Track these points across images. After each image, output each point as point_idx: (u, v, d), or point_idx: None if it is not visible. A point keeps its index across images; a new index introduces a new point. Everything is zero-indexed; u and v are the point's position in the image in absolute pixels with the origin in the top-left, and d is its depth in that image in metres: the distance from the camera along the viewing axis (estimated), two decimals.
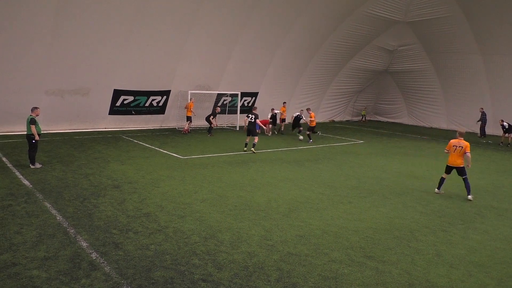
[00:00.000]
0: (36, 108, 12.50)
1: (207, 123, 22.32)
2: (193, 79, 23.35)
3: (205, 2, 20.23)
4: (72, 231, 7.49)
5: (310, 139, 21.00)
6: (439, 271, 6.59)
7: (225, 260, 6.57)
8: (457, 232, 8.49)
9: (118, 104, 21.38)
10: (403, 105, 35.04)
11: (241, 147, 18.02)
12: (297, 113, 23.19)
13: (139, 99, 22.03)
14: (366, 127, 30.83)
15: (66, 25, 17.45)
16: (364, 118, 36.30)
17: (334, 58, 29.54)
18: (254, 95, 27.14)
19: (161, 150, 16.39)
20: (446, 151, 11.53)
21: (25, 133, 12.45)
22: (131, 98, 21.69)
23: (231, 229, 7.97)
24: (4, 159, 13.39)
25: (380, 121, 36.47)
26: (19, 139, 16.70)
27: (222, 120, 25.93)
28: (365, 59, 31.53)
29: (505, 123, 23.39)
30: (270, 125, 23.51)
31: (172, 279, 5.87)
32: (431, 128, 31.89)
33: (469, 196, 11.05)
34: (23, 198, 9.30)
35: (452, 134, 28.06)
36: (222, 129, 24.60)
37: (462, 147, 11.00)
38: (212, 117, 22.01)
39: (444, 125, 31.63)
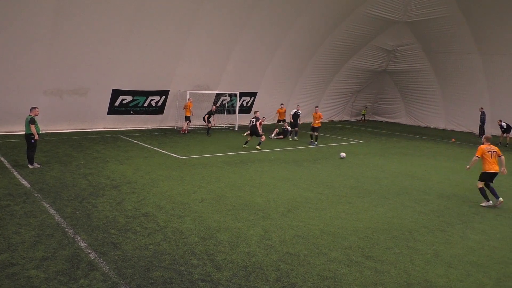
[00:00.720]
0: (34, 108, 12.49)
1: (205, 123, 22.15)
2: (192, 79, 23.33)
3: (205, 2, 20.22)
4: (70, 231, 7.48)
5: (316, 142, 20.03)
6: (437, 271, 6.60)
7: (224, 260, 6.56)
8: (456, 232, 8.50)
9: (116, 104, 21.36)
10: (402, 105, 35.08)
11: (240, 147, 18.04)
12: (295, 110, 22.33)
13: (137, 99, 22.01)
14: (365, 127, 30.86)
15: (65, 25, 17.43)
16: (363, 118, 36.32)
17: (333, 58, 29.57)
18: (253, 95, 27.15)
19: (160, 150, 16.38)
20: (477, 157, 10.60)
21: (24, 133, 12.44)
22: (129, 98, 21.67)
23: (230, 229, 7.97)
24: (2, 159, 13.37)
25: (378, 121, 36.50)
26: (18, 139, 16.67)
27: (221, 120, 25.91)
28: (363, 59, 31.56)
29: (503, 123, 23.45)
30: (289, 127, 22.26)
31: (171, 279, 5.87)
32: (430, 128, 31.93)
33: (500, 198, 10.43)
34: (21, 198, 9.28)
35: (451, 134, 28.17)
36: (221, 129, 24.60)
37: (495, 151, 10.55)
38: (207, 116, 21.91)
39: (442, 125, 31.67)
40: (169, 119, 23.89)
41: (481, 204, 10.62)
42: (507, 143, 23.14)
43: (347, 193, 11.21)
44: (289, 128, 22.12)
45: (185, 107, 21.88)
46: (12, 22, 16.26)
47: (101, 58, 19.29)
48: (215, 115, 23.08)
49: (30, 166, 12.32)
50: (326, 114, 33.51)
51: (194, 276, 6.01)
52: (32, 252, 6.51)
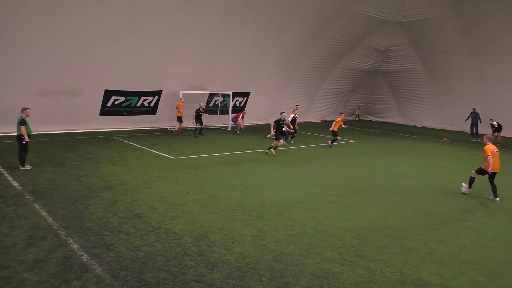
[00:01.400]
0: (26, 108, 12.36)
1: (196, 123, 21.78)
2: (185, 79, 23.25)
3: (198, 2, 20.17)
4: (63, 233, 7.42)
5: (332, 144, 20.09)
6: (431, 269, 6.64)
7: (217, 261, 6.55)
8: (449, 230, 8.56)
9: (109, 104, 21.23)
10: (394, 104, 35.25)
11: (233, 147, 18.04)
12: (292, 115, 21.28)
13: (130, 100, 21.89)
14: (358, 126, 30.97)
15: (58, 26, 17.29)
16: (358, 117, 36.46)
17: (326, 58, 29.62)
18: (246, 95, 27.12)
19: (153, 151, 16.31)
20: (491, 156, 10.92)
21: (16, 134, 12.32)
22: (122, 99, 21.54)
23: (223, 229, 7.95)
24: None
25: (371, 120, 36.66)
26: (10, 140, 16.49)
27: (214, 120, 25.85)
28: (356, 59, 31.66)
29: (494, 123, 23.69)
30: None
31: (164, 280, 5.84)
32: (422, 127, 32.13)
33: (497, 199, 11.12)
34: (12, 200, 9.19)
35: (443, 133, 28.35)
36: (214, 129, 24.55)
37: (497, 151, 11.22)
38: (195, 115, 21.51)
39: (434, 125, 31.87)
40: (162, 120, 23.78)
41: (461, 189, 11.69)
42: (498, 142, 23.34)
43: (341, 192, 11.24)
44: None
45: (176, 108, 21.77)
46: (5, 23, 16.11)
47: (94, 58, 19.16)
48: (207, 115, 22.92)
49: (22, 168, 12.20)
50: (319, 113, 33.61)
51: (188, 277, 5.99)
52: (24, 255, 6.44)
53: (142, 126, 23.28)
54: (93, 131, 21.01)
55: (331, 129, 20.30)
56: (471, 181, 11.57)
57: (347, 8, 25.58)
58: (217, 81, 24.84)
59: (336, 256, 6.96)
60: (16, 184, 10.57)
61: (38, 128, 18.48)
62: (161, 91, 22.75)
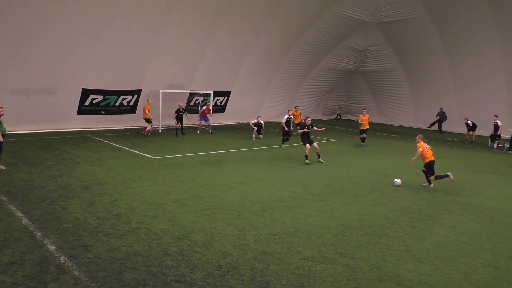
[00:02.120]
0: None
1: (177, 123, 21.47)
2: (165, 78, 23.05)
3: (179, 1, 20.01)
4: (39, 234, 7.26)
5: (362, 143, 20.91)
6: (408, 266, 6.78)
7: (198, 261, 6.53)
8: (425, 227, 8.75)
9: (87, 103, 20.87)
10: (373, 104, 35.75)
11: (214, 147, 17.99)
12: (287, 116, 20.12)
13: (108, 99, 21.57)
14: (338, 126, 31.30)
15: (31, 22, 16.89)
16: (339, 117, 36.82)
17: (306, 58, 29.82)
18: (226, 94, 27.07)
19: (132, 150, 16.11)
20: (420, 149, 12.46)
21: None
22: (100, 98, 21.21)
23: (204, 229, 7.93)
24: None
25: (351, 120, 37.07)
26: None
27: (194, 120, 25.67)
28: (336, 59, 31.98)
29: (469, 122, 24.31)
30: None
31: (144, 281, 5.79)
32: (400, 126, 32.70)
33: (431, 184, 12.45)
34: None
35: (419, 132, 28.87)
36: (194, 129, 24.40)
37: (430, 147, 12.65)
38: (175, 115, 21.21)
39: (412, 124, 32.49)
40: (142, 119, 23.43)
41: (425, 185, 12.58)
42: (473, 141, 23.96)
43: (321, 191, 11.35)
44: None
45: (143, 110, 20.77)
46: None
47: (70, 56, 18.79)
48: (189, 114, 22.79)
49: None
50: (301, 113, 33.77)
51: (168, 277, 5.95)
52: None
53: (121, 126, 22.97)
54: (70, 130, 20.62)
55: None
56: (428, 177, 12.59)
57: (326, 8, 25.82)
58: (197, 80, 24.71)
59: (316, 254, 7.02)
60: None
61: (12, 127, 17.98)
62: (141, 90, 22.49)
